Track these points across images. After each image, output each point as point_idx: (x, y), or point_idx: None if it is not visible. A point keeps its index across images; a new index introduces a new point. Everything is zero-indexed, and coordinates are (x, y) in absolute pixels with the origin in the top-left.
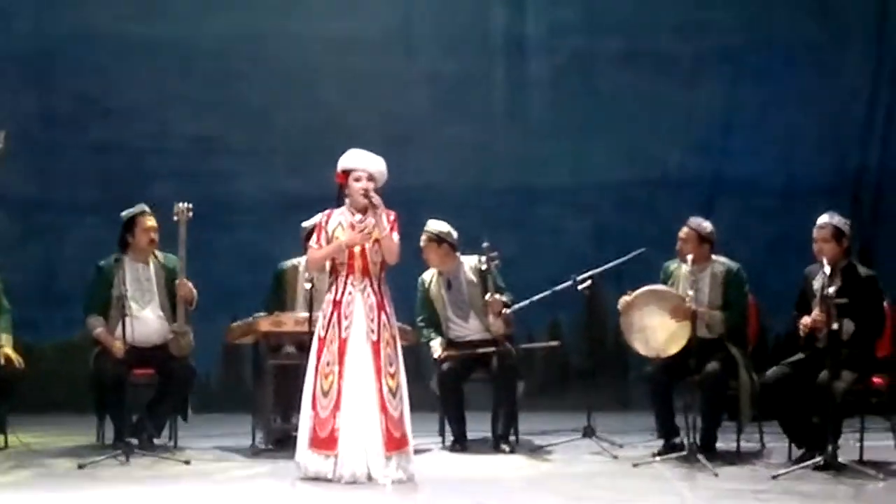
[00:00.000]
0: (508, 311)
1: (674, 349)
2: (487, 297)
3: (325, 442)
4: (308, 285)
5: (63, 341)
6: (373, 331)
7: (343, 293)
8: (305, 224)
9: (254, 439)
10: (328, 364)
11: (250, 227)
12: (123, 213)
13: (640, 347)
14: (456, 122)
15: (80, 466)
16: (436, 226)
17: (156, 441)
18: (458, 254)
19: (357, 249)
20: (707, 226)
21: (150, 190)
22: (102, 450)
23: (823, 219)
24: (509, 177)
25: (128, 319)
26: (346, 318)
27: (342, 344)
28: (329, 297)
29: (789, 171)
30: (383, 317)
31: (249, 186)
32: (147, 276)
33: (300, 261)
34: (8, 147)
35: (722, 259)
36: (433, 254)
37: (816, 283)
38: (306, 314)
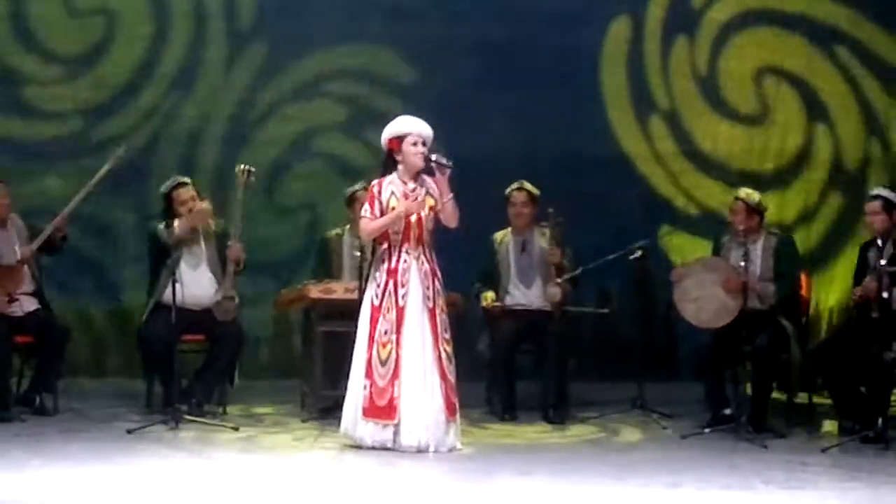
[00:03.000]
0: (560, 280)
1: (725, 320)
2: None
3: (384, 411)
4: (357, 253)
5: (114, 306)
6: (428, 297)
7: (398, 261)
8: (349, 190)
9: (303, 406)
10: (385, 333)
11: (297, 193)
12: (162, 188)
13: (692, 317)
14: (504, 91)
15: (129, 432)
16: (528, 186)
17: (205, 407)
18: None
19: (413, 218)
20: (756, 197)
21: (197, 156)
22: (151, 415)
23: (874, 192)
24: (558, 146)
25: (179, 283)
26: (402, 286)
27: (400, 312)
28: (383, 265)
29: (837, 147)
30: (437, 283)
31: (295, 154)
32: (195, 241)
33: (344, 229)
34: (120, 160)
35: (773, 230)
36: (527, 211)
37: (871, 255)
38: (355, 282)
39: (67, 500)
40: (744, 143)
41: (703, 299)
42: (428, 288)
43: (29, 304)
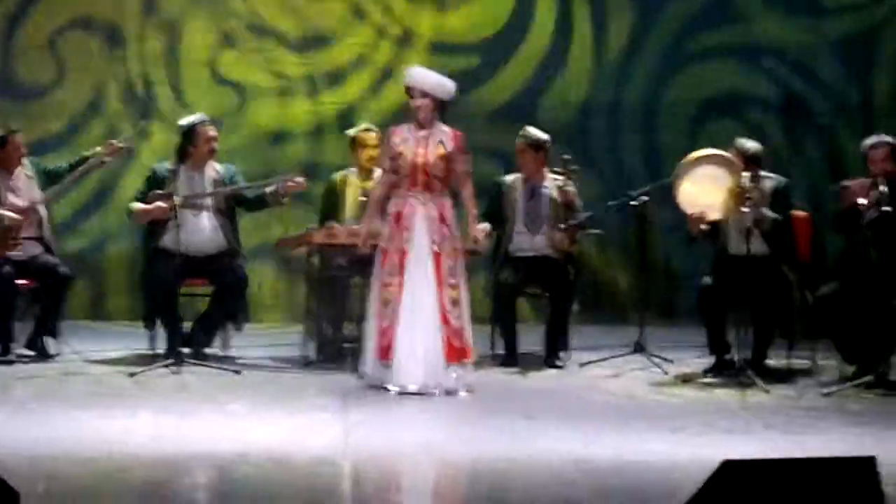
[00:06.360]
0: (564, 226)
1: (712, 215)
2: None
3: (385, 351)
4: (364, 198)
5: (119, 249)
6: (434, 242)
7: (405, 205)
8: (350, 132)
9: (306, 350)
10: (389, 275)
11: (301, 139)
12: (183, 122)
13: (685, 200)
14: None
15: (131, 375)
16: (535, 132)
17: (207, 351)
18: (545, 167)
19: (420, 162)
20: (752, 146)
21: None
22: (154, 359)
23: (876, 139)
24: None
25: (182, 229)
26: (407, 230)
27: (402, 256)
28: (393, 210)
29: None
30: (445, 229)
31: (302, 100)
32: (202, 186)
33: (350, 171)
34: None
35: (770, 175)
36: (529, 159)
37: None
38: (360, 226)
39: (67, 442)
40: None
41: (704, 189)
42: (434, 233)
43: (32, 249)
